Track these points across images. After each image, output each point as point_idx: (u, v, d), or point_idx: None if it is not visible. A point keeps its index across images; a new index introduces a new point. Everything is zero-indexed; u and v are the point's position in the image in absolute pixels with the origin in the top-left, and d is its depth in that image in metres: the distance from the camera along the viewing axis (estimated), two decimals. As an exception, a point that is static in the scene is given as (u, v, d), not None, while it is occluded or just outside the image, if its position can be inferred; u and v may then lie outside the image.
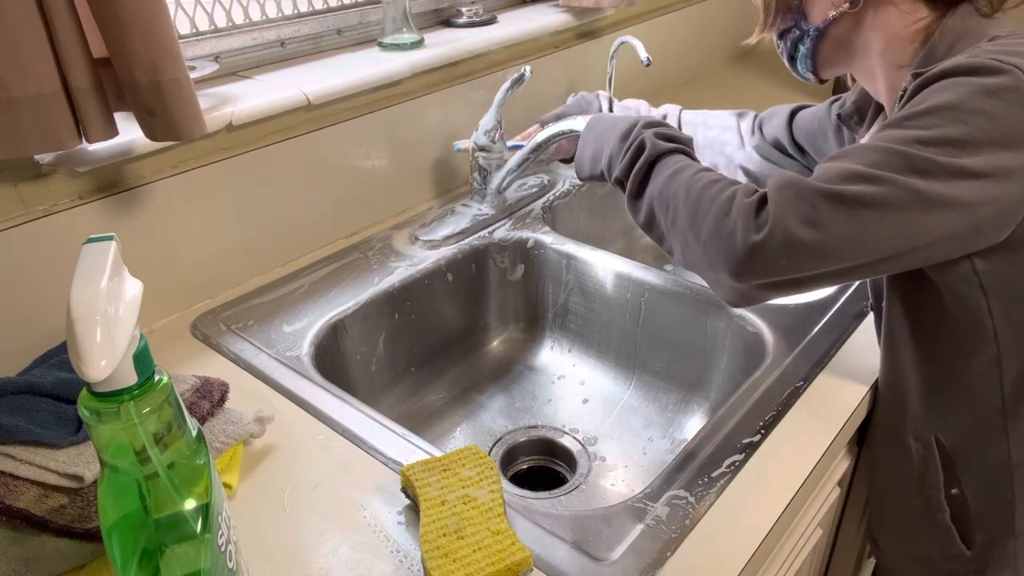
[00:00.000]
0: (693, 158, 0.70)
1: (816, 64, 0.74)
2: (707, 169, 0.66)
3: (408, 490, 0.61)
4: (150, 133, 0.71)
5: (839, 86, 1.45)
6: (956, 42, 0.63)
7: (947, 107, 0.55)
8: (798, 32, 0.73)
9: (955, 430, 0.69)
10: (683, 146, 0.70)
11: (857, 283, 0.87)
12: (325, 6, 1.05)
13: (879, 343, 0.73)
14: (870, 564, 1.01)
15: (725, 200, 0.60)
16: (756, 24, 0.75)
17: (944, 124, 0.55)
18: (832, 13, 0.69)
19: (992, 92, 0.55)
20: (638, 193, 0.70)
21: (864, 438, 0.81)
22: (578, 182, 1.18)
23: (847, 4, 0.68)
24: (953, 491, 0.70)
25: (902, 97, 0.61)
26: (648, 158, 0.69)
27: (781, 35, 0.74)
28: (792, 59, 0.75)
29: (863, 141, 0.61)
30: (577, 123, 0.98)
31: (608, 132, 0.76)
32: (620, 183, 0.72)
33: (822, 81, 0.76)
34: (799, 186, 0.57)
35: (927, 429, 0.70)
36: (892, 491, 0.77)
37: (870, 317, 0.81)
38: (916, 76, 0.60)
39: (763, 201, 0.58)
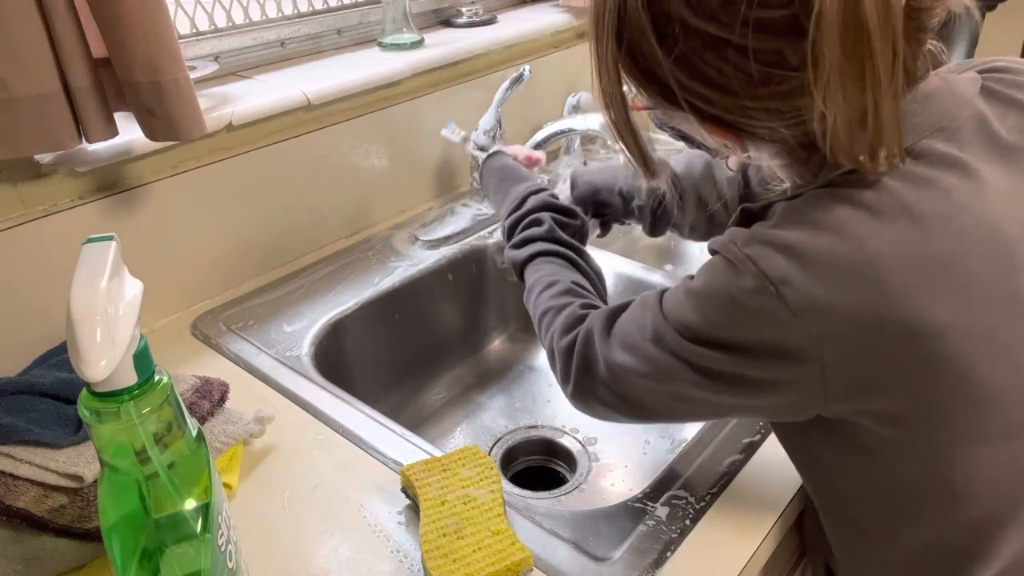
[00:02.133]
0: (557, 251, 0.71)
1: None
2: (551, 284, 0.66)
3: (408, 490, 0.61)
4: (150, 133, 0.71)
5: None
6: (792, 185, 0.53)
7: (703, 294, 0.49)
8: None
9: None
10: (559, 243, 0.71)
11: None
12: (325, 6, 1.05)
13: None
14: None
15: (548, 343, 0.63)
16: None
17: (699, 312, 0.49)
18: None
19: (743, 294, 0.46)
20: (520, 276, 0.73)
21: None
22: (578, 182, 1.18)
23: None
24: None
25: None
26: (524, 258, 0.71)
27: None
28: None
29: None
30: (576, 122, 0.98)
31: (501, 196, 0.79)
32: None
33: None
34: (591, 361, 0.57)
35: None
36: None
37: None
38: (742, 211, 0.52)
39: (571, 349, 0.59)
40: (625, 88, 0.53)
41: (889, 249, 0.44)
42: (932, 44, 0.48)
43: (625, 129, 0.55)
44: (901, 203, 0.45)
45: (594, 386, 0.56)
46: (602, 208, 0.82)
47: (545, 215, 0.73)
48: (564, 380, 0.60)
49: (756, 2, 0.42)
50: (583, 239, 0.74)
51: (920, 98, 0.47)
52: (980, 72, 0.53)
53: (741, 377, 0.48)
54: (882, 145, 0.44)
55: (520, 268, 0.72)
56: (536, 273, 0.69)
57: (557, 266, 0.69)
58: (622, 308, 0.57)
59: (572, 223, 0.74)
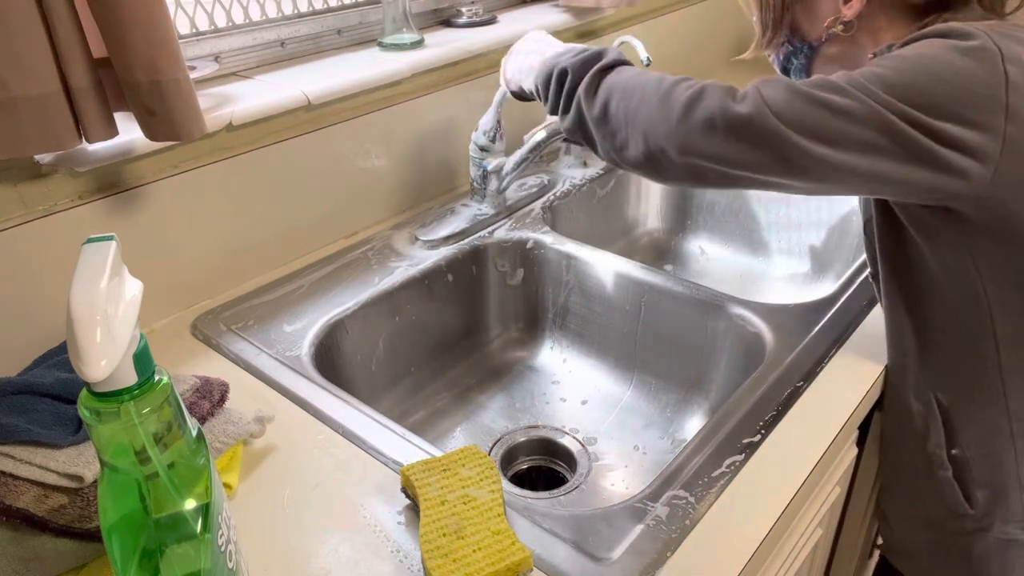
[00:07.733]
0: None
1: (809, 76, 0.74)
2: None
3: (408, 490, 0.61)
4: (150, 133, 0.71)
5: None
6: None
7: (917, 57, 0.57)
8: (791, 48, 0.73)
9: (952, 388, 0.70)
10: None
11: (857, 283, 0.87)
12: (325, 6, 1.05)
13: (882, 307, 0.75)
14: (871, 564, 1.01)
15: (698, 87, 0.63)
16: (754, 31, 0.74)
17: (910, 71, 0.57)
18: (825, 35, 0.70)
19: (963, 50, 0.56)
20: (593, 86, 0.68)
21: (865, 437, 0.81)
22: (578, 182, 1.18)
23: (841, 27, 0.68)
24: (954, 451, 0.71)
25: None
26: (608, 62, 0.68)
27: (775, 47, 0.74)
28: (785, 71, 0.76)
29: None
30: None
31: (552, 45, 0.78)
32: (563, 73, 0.69)
33: None
34: (780, 79, 0.61)
35: (926, 388, 0.71)
36: (898, 454, 0.78)
37: (870, 317, 0.81)
38: (890, 46, 0.62)
39: (704, 88, 0.62)
40: None
41: None
42: None
43: None
44: None
45: (717, 113, 0.59)
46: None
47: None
48: (729, 101, 0.60)
49: None
50: None
51: None
52: None
53: (917, 140, 0.55)
54: None
55: (617, 61, 0.69)
56: (644, 75, 0.67)
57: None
58: None
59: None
